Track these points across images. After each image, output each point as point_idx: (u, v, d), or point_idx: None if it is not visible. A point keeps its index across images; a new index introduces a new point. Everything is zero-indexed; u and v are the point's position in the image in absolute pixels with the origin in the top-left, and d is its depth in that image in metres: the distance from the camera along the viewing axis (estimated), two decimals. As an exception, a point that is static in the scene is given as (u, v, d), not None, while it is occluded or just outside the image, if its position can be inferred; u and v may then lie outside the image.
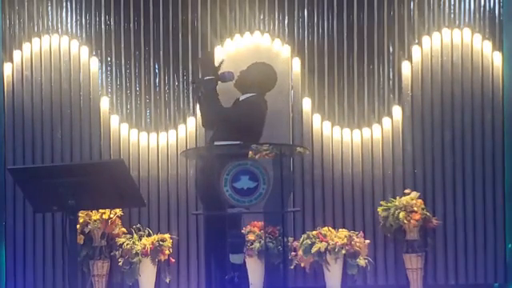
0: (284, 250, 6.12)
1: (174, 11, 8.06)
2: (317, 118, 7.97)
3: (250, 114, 6.04)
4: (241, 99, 6.20)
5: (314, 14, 8.01)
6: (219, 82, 6.32)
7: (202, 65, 6.27)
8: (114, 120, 8.05)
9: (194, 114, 7.98)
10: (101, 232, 7.69)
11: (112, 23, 8.10)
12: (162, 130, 8.03)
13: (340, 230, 7.69)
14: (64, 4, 8.10)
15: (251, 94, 6.16)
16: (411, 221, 7.52)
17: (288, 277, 6.99)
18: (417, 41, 7.95)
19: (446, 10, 7.95)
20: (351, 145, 7.97)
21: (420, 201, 7.64)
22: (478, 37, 7.90)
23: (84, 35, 8.09)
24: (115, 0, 8.09)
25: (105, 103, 8.06)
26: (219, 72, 6.26)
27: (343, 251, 7.49)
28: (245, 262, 6.09)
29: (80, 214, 7.45)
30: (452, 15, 7.95)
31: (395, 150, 7.93)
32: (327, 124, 7.97)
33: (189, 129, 8.00)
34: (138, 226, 7.86)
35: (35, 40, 8.09)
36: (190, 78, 7.98)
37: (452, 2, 7.94)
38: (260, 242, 7.52)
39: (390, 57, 7.97)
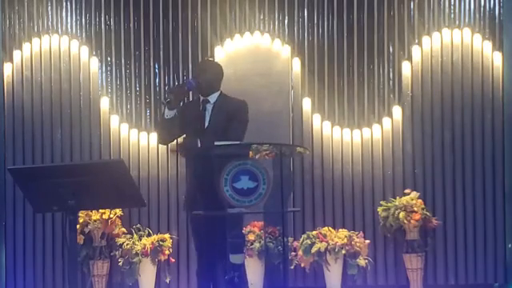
0: (284, 250, 6.12)
1: (173, 11, 8.07)
2: (317, 118, 7.97)
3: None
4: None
5: (314, 14, 8.01)
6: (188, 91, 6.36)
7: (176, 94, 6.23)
8: (114, 120, 8.05)
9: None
10: (101, 232, 7.69)
11: (112, 23, 8.10)
12: (162, 130, 8.03)
13: (340, 230, 7.69)
14: (64, 4, 8.10)
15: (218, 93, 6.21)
16: (411, 221, 7.52)
17: (288, 277, 7.00)
18: (417, 41, 7.95)
19: (446, 10, 7.95)
20: (351, 145, 7.97)
21: (420, 201, 7.64)
22: (478, 37, 7.90)
23: (84, 35, 8.09)
24: (115, 0, 8.09)
25: (105, 103, 8.06)
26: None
27: (343, 251, 7.49)
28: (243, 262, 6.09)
29: (80, 214, 7.44)
30: (452, 15, 7.95)
31: (395, 150, 7.93)
32: (327, 124, 7.97)
33: (189, 129, 8.00)
34: (138, 226, 7.87)
35: (35, 40, 8.09)
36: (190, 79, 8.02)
37: (452, 2, 7.94)
38: (260, 242, 7.52)
39: (389, 57, 7.97)
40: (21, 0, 8.09)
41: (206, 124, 6.10)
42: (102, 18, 8.10)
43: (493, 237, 7.81)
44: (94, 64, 8.08)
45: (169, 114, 6.09)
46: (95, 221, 7.62)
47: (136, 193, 4.92)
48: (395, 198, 7.71)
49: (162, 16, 8.07)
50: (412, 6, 7.97)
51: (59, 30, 8.11)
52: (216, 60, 8.00)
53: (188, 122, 6.16)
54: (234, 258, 5.80)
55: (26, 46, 8.09)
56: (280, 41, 8.03)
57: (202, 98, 6.21)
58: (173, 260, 7.83)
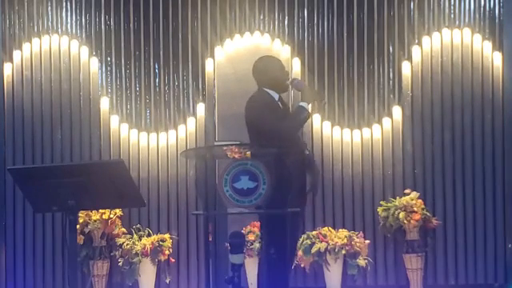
0: (284, 250, 6.10)
1: (173, 11, 8.07)
2: (317, 118, 7.97)
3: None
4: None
5: (314, 14, 8.01)
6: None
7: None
8: (114, 120, 8.05)
9: (194, 114, 7.99)
10: (101, 232, 7.70)
11: (112, 23, 8.10)
12: (162, 130, 8.03)
13: (340, 230, 7.69)
14: (64, 4, 8.10)
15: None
16: (411, 221, 7.52)
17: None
18: (417, 41, 7.95)
19: (446, 10, 7.95)
20: (351, 145, 7.97)
21: (420, 201, 7.63)
22: (478, 37, 7.90)
23: (84, 35, 8.09)
24: (115, 0, 8.09)
25: (105, 103, 8.06)
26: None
27: (343, 251, 7.49)
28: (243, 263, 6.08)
29: (80, 214, 7.44)
30: (452, 15, 7.95)
31: (395, 150, 7.93)
32: (327, 124, 7.97)
33: (189, 129, 8.00)
34: (138, 226, 7.87)
35: (35, 40, 8.09)
36: (190, 78, 8.02)
37: (452, 2, 7.94)
38: (260, 242, 7.51)
39: (390, 57, 7.97)
40: (21, 0, 8.09)
41: None
42: (102, 18, 8.09)
43: (493, 237, 7.81)
44: (94, 64, 8.08)
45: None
46: (95, 221, 7.63)
47: (136, 193, 4.93)
48: (395, 198, 7.71)
49: (161, 16, 8.06)
50: (412, 6, 7.96)
51: (59, 30, 8.11)
52: (216, 60, 8.03)
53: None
54: (234, 258, 5.79)
55: (26, 45, 8.09)
56: (280, 41, 8.03)
57: (278, 96, 6.11)
58: (173, 260, 7.82)
